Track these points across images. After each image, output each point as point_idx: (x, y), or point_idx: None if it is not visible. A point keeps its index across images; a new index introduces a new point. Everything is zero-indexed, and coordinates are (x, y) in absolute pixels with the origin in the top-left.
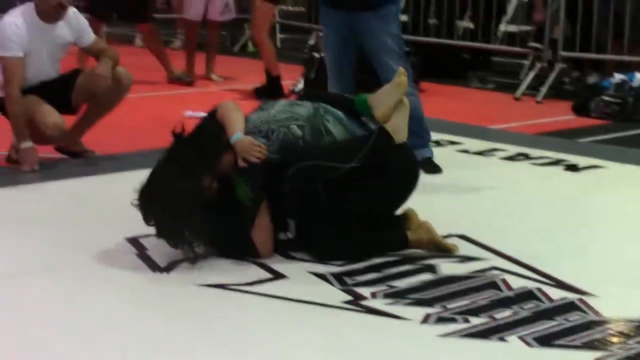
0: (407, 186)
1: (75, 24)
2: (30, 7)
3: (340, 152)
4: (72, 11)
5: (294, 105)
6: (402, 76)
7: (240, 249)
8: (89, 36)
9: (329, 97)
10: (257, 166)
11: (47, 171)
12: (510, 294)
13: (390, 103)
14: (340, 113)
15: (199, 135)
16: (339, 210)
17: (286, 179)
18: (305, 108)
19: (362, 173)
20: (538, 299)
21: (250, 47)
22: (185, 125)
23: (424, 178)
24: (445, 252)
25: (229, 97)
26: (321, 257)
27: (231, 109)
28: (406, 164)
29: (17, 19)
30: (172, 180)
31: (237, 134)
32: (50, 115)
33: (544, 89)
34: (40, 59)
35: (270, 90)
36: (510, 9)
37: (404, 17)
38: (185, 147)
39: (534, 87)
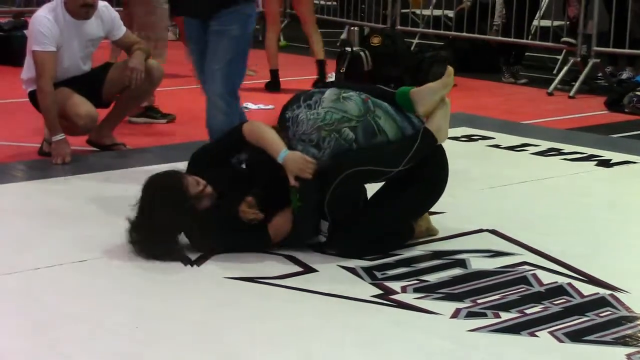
0: (442, 188)
1: (107, 18)
2: (60, 2)
3: (390, 157)
4: (103, 5)
5: (342, 101)
6: (451, 75)
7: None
8: (120, 30)
9: (369, 89)
10: (310, 183)
11: (78, 164)
12: (541, 289)
13: (435, 100)
14: (387, 106)
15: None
16: (376, 219)
17: (336, 181)
18: (354, 103)
19: (402, 176)
20: (569, 295)
21: (282, 42)
22: None
23: (455, 173)
24: (432, 235)
25: (260, 91)
26: (346, 255)
27: (263, 128)
28: (443, 166)
29: (48, 13)
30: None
31: (283, 151)
32: (82, 106)
33: (577, 84)
34: (71, 53)
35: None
36: (544, 4)
37: (438, 12)
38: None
39: (567, 83)
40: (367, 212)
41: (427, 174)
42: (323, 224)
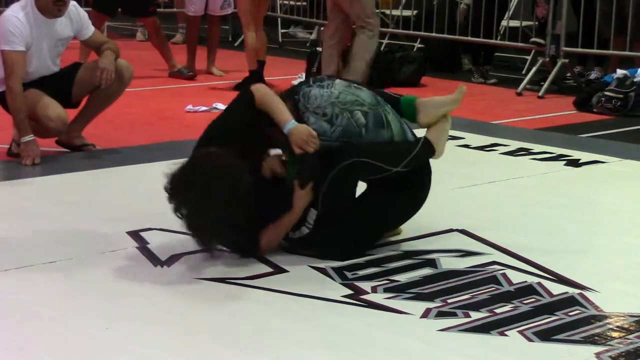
0: (420, 204)
1: (76, 18)
2: (30, 1)
3: (391, 155)
4: (72, 5)
5: (354, 87)
6: (461, 93)
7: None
8: (89, 29)
9: (375, 90)
10: (312, 157)
11: (48, 165)
12: (511, 288)
13: (439, 114)
14: (391, 108)
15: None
16: (360, 222)
17: (334, 170)
18: (366, 93)
19: (391, 181)
20: (538, 294)
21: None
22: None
23: None
24: (395, 234)
25: (229, 92)
26: (326, 257)
27: (272, 96)
28: (430, 178)
29: (18, 12)
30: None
31: (291, 122)
32: (52, 108)
33: (545, 84)
34: (41, 53)
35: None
36: (513, 4)
37: (407, 12)
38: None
39: (536, 83)
40: (351, 215)
41: (412, 186)
42: (310, 213)
